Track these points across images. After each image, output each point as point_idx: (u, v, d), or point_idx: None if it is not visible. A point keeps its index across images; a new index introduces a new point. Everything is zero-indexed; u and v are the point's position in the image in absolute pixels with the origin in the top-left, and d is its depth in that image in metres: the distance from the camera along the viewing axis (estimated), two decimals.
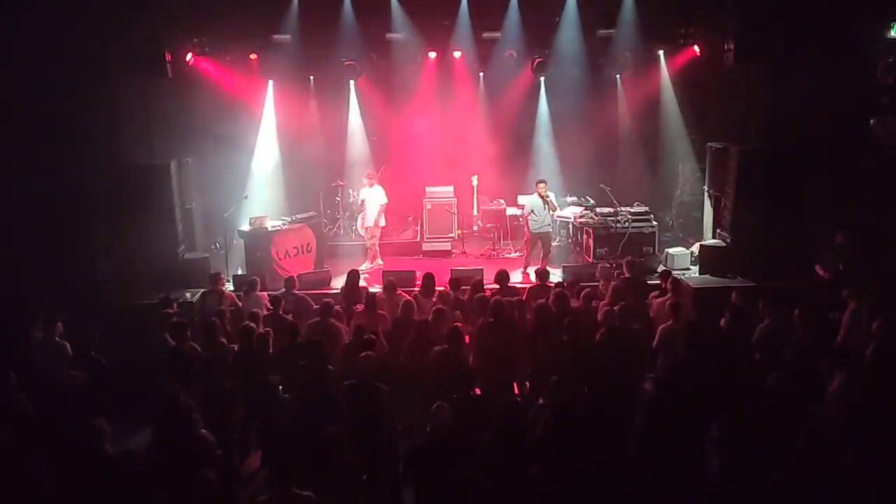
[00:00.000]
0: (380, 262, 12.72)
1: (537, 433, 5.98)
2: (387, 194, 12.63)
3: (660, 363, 7.92)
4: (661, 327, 8.09)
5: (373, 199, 12.59)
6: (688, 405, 6.32)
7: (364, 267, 12.37)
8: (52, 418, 6.95)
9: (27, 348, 8.13)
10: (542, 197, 11.91)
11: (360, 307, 8.84)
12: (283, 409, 7.15)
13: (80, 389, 7.31)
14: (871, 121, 10.94)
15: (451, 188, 14.23)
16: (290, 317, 8.77)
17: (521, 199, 12.55)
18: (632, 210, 12.62)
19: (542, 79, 14.34)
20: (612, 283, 9.33)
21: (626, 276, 9.72)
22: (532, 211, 12.00)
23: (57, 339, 8.15)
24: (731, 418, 6.37)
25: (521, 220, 12.64)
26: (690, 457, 5.86)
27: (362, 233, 13.14)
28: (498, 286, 9.30)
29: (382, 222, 12.79)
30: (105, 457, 5.84)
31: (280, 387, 7.52)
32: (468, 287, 9.38)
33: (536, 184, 12.10)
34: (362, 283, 10.53)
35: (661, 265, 12.09)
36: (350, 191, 14.43)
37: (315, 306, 8.77)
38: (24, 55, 10.42)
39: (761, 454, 5.78)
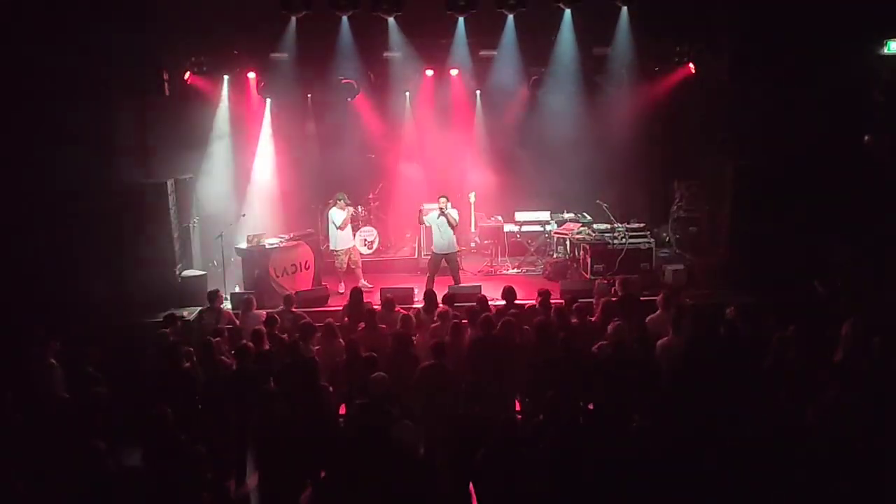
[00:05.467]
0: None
1: (543, 450, 5.93)
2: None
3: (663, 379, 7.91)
4: (658, 343, 8.08)
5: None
6: (687, 420, 6.31)
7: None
8: (47, 437, 6.93)
9: (24, 368, 8.08)
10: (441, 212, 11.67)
11: (361, 325, 8.81)
12: (279, 430, 7.13)
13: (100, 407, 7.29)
14: (866, 137, 11.02)
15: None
16: (285, 336, 8.73)
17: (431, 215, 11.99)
18: (629, 226, 12.66)
19: (539, 96, 14.40)
20: (602, 300, 9.35)
21: (619, 293, 9.73)
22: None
23: (52, 359, 8.08)
24: (732, 429, 6.35)
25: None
26: (693, 467, 5.84)
27: (365, 251, 13.09)
28: (504, 302, 9.30)
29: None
30: (104, 476, 5.79)
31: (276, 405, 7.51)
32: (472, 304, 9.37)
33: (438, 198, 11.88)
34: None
35: (662, 279, 12.12)
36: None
37: (316, 324, 8.71)
38: (21, 74, 10.48)
39: (762, 465, 5.78)
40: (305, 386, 7.36)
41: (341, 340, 8.44)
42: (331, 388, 7.52)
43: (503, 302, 9.42)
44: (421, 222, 12.30)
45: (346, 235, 12.37)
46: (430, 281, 11.66)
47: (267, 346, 8.23)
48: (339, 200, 12.39)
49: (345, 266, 12.36)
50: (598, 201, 13.30)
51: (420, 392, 7.33)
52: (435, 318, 8.75)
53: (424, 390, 7.29)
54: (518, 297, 9.61)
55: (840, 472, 5.66)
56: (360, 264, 12.60)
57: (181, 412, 6.99)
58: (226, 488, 6.29)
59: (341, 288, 12.24)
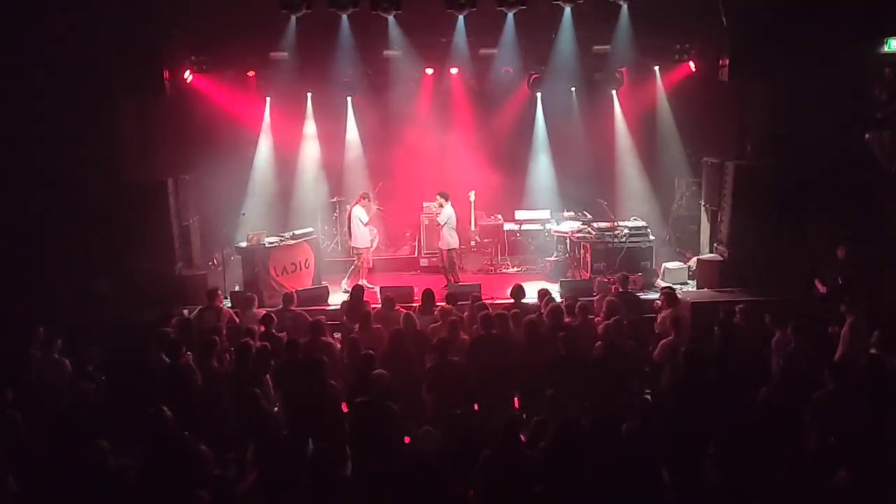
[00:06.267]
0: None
1: (542, 448, 5.93)
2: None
3: (664, 378, 7.92)
4: (661, 342, 8.08)
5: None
6: (687, 420, 6.31)
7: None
8: (49, 435, 6.95)
9: (25, 366, 8.10)
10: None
11: (357, 326, 8.80)
12: (278, 427, 7.14)
13: (89, 402, 7.30)
14: (867, 135, 11.01)
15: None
16: (283, 334, 8.74)
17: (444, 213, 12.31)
18: (629, 225, 12.65)
19: (539, 94, 14.40)
20: (607, 297, 9.35)
21: (620, 290, 9.74)
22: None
23: (56, 355, 8.11)
24: (728, 432, 6.35)
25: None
26: (689, 471, 5.84)
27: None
28: (513, 301, 9.32)
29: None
30: (105, 474, 5.80)
31: (276, 404, 7.53)
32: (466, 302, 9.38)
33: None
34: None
35: (657, 279, 12.13)
36: (348, 206, 14.50)
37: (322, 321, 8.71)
38: (23, 74, 10.49)
39: (757, 468, 5.77)
40: (311, 384, 7.37)
41: (336, 335, 8.46)
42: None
43: (511, 300, 9.43)
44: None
45: (367, 234, 12.45)
46: (446, 278, 12.11)
47: (265, 344, 8.22)
48: (364, 199, 12.44)
49: (362, 264, 12.41)
50: (598, 200, 13.29)
51: (432, 391, 7.34)
52: (435, 317, 8.75)
53: (436, 389, 7.30)
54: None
55: (839, 470, 5.65)
56: (371, 264, 12.65)
57: (181, 410, 7.00)
58: (231, 486, 6.27)
59: (345, 285, 12.23)
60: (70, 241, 10.82)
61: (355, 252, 12.46)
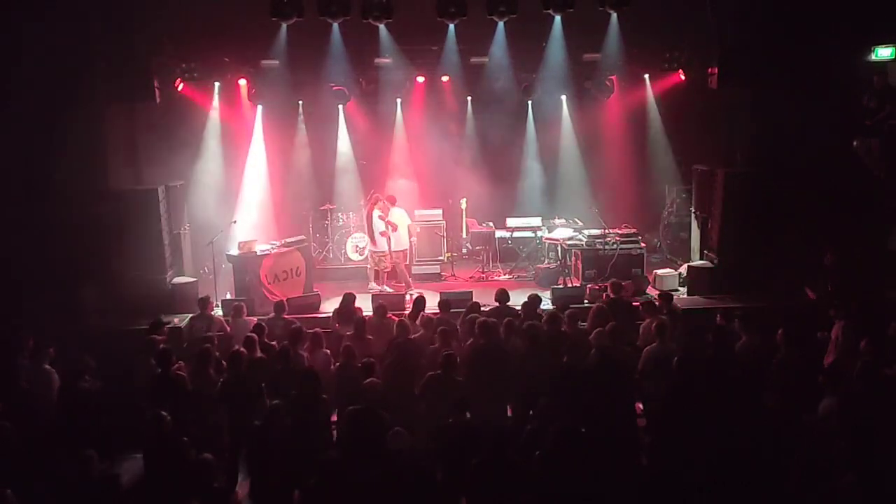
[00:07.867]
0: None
1: (539, 457, 5.92)
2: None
3: (647, 387, 7.91)
4: (645, 349, 8.08)
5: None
6: (685, 426, 6.32)
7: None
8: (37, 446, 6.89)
9: (13, 376, 8.03)
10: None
11: (349, 332, 8.78)
12: (272, 436, 7.10)
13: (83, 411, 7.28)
14: (854, 142, 11.11)
15: (439, 211, 14.27)
16: (275, 343, 8.70)
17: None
18: (620, 232, 12.69)
19: (530, 102, 14.44)
20: (595, 305, 9.35)
21: (611, 297, 9.74)
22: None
23: (46, 366, 8.05)
24: (726, 437, 6.37)
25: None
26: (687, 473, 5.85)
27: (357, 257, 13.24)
28: (498, 304, 9.32)
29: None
30: (93, 484, 5.77)
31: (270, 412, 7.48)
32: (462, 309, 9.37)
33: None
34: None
35: (648, 286, 12.17)
36: (339, 214, 14.51)
37: (307, 331, 8.67)
38: (11, 80, 10.45)
39: (758, 472, 5.79)
40: (307, 396, 7.34)
41: (327, 350, 8.42)
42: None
43: (496, 304, 9.42)
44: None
45: (384, 240, 12.51)
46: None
47: (259, 353, 8.19)
48: (380, 201, 12.53)
49: (389, 267, 12.47)
50: (589, 207, 13.34)
51: (424, 401, 7.32)
52: (417, 326, 8.74)
53: (428, 399, 7.28)
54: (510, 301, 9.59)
55: (835, 474, 5.68)
56: (390, 268, 12.65)
57: (174, 419, 6.97)
58: (224, 496, 6.22)
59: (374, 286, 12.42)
60: (60, 249, 10.75)
61: (378, 256, 12.48)
